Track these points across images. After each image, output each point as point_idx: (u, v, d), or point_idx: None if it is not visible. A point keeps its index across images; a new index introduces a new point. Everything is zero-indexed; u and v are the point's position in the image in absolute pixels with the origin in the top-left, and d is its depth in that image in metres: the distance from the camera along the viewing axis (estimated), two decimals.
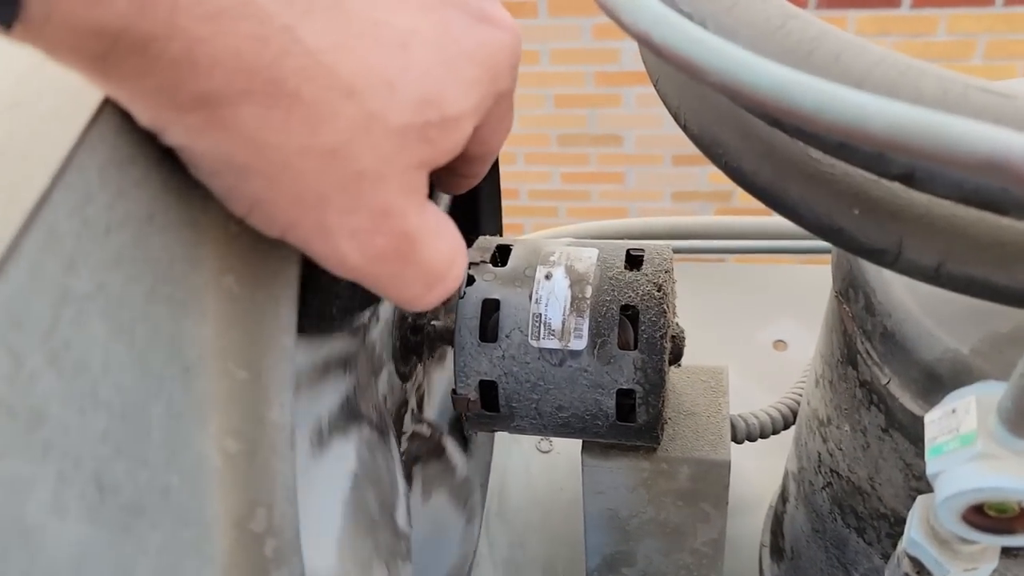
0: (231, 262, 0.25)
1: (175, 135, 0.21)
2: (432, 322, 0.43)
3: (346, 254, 0.23)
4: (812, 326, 0.76)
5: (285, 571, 0.24)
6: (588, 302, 0.37)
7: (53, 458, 0.18)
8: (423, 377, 0.46)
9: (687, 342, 0.41)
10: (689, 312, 0.53)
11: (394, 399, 0.42)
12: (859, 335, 0.35)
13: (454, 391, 0.39)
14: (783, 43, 0.23)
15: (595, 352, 0.37)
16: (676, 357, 0.41)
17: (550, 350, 0.37)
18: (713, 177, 2.30)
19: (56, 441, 0.18)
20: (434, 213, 0.25)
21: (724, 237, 0.83)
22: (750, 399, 0.62)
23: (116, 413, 0.20)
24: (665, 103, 0.32)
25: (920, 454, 0.32)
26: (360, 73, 0.21)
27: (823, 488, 0.43)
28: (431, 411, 0.46)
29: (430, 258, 0.25)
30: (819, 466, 0.43)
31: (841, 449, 0.40)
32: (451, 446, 0.47)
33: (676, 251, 0.41)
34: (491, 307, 0.38)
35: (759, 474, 0.61)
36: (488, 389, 0.39)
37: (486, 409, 0.40)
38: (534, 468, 0.64)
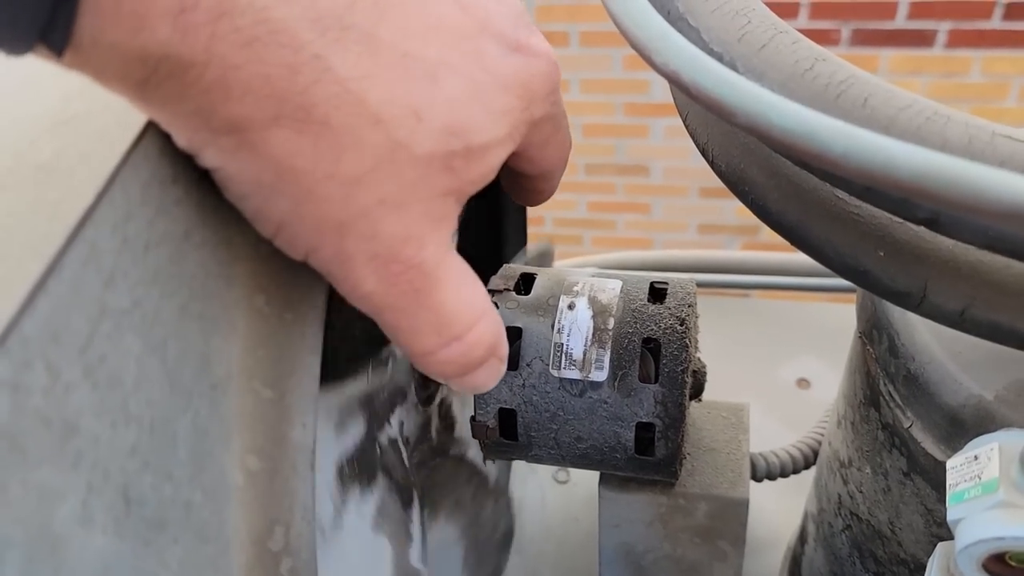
0: (262, 282, 0.25)
1: (209, 157, 0.22)
2: None
3: (362, 279, 0.23)
4: (836, 365, 0.76)
5: None
6: (610, 334, 0.37)
7: (83, 469, 0.18)
8: (448, 393, 0.46)
9: (708, 377, 0.41)
10: (711, 347, 0.53)
11: (412, 423, 0.42)
12: (882, 377, 0.35)
13: (473, 418, 0.39)
14: (811, 86, 0.23)
15: (615, 384, 0.37)
16: (697, 392, 0.41)
17: (571, 380, 0.37)
18: (740, 211, 2.29)
19: (87, 453, 0.18)
20: (460, 262, 0.25)
21: (749, 272, 0.82)
22: (771, 437, 0.61)
23: (145, 427, 0.20)
24: (693, 138, 0.33)
25: (941, 499, 0.32)
26: (387, 101, 0.21)
27: (843, 531, 0.42)
28: (458, 428, 0.47)
29: (446, 303, 0.24)
30: (839, 508, 0.42)
31: (862, 491, 0.39)
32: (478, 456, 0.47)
33: (700, 284, 0.41)
34: (513, 335, 0.38)
35: (778, 514, 0.61)
36: (507, 417, 0.39)
37: (504, 437, 0.40)
38: (550, 498, 0.64)
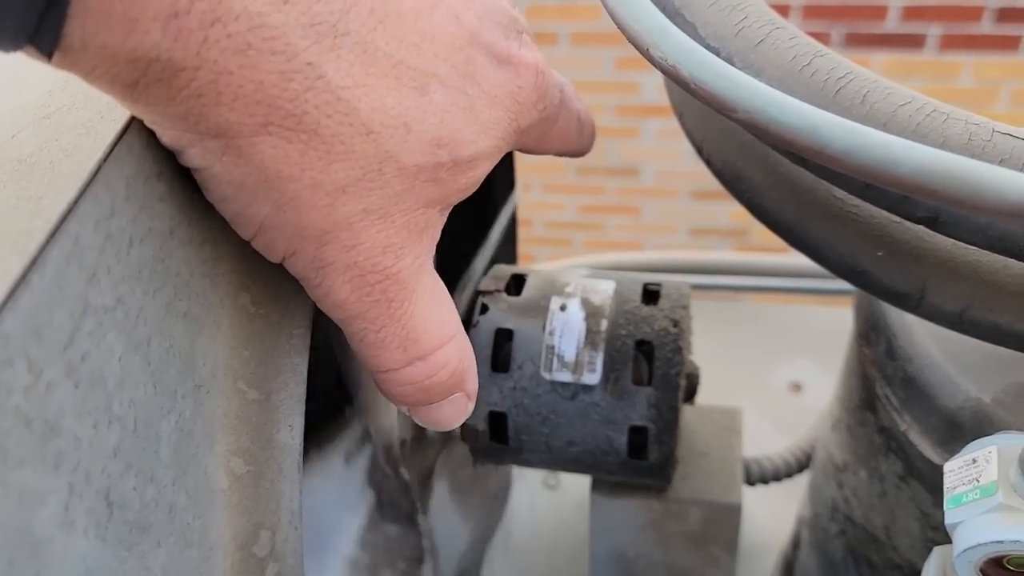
0: (248, 281, 0.25)
1: (193, 156, 0.21)
2: None
3: (336, 287, 0.23)
4: (829, 368, 0.76)
5: None
6: (603, 335, 0.37)
7: (64, 471, 0.18)
8: None
9: (701, 380, 0.40)
10: (704, 350, 0.53)
11: (407, 426, 0.41)
12: (879, 380, 0.35)
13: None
14: (809, 82, 0.23)
15: (608, 387, 0.36)
16: (690, 395, 0.40)
17: (562, 383, 0.37)
18: (731, 214, 2.30)
19: (68, 454, 0.18)
20: (436, 282, 0.25)
21: (742, 274, 0.82)
22: (764, 441, 0.61)
23: (128, 428, 0.20)
24: (688, 137, 0.32)
25: (938, 504, 0.31)
26: (379, 111, 0.21)
27: (837, 535, 0.42)
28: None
29: (416, 316, 0.24)
30: (834, 513, 0.42)
31: (857, 496, 0.39)
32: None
33: (693, 287, 0.41)
34: (504, 337, 0.38)
35: (771, 518, 0.60)
36: (497, 421, 0.39)
37: (495, 441, 0.39)
38: (540, 504, 0.63)
